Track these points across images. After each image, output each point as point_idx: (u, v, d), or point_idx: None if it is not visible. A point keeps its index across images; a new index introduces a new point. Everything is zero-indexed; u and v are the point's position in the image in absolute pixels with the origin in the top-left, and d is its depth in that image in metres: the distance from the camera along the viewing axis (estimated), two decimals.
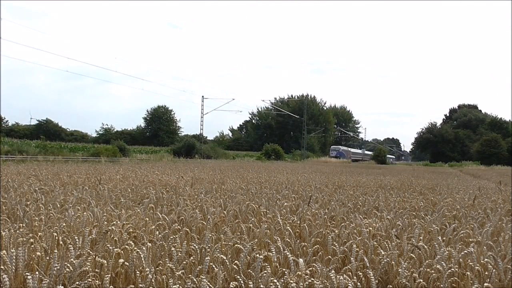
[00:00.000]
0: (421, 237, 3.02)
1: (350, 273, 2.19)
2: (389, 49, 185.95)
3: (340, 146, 77.46)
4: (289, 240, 2.84)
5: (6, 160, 16.91)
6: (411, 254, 2.55)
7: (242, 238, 2.91)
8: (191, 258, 2.35)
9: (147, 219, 3.27)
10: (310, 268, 2.15)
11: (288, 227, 3.09)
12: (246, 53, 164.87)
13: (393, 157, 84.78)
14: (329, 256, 2.55)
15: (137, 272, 2.09)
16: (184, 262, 2.30)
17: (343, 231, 3.15)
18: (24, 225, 3.04)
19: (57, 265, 2.00)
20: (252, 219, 3.57)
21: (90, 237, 2.61)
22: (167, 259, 2.34)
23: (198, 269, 2.15)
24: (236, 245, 2.60)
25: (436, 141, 67.09)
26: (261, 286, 1.96)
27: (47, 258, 2.21)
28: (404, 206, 4.93)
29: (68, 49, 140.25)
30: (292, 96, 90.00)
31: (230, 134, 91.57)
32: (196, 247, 2.47)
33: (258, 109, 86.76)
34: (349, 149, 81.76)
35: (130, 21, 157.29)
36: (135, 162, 20.12)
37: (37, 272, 2.00)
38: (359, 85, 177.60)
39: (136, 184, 6.66)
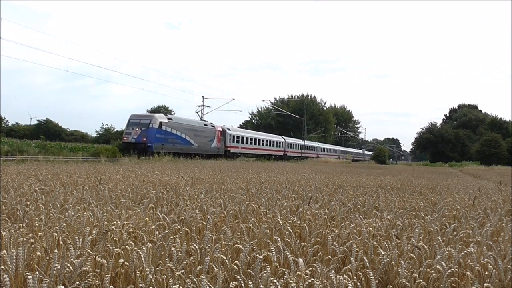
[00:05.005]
0: (421, 237, 3.02)
1: (350, 273, 2.19)
2: (389, 49, 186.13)
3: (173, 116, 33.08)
4: (289, 240, 2.84)
5: (6, 160, 16.90)
6: (411, 254, 2.55)
7: (242, 238, 2.91)
8: (191, 258, 2.35)
9: (147, 219, 3.27)
10: (310, 268, 2.15)
11: (288, 227, 3.09)
12: (246, 53, 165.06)
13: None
14: (329, 256, 2.55)
15: (137, 272, 2.09)
16: (184, 262, 2.30)
17: (343, 231, 3.15)
18: (24, 225, 3.04)
19: (57, 265, 2.00)
20: (252, 219, 3.56)
21: (90, 237, 2.61)
22: (167, 259, 2.34)
23: (198, 269, 2.15)
24: (236, 245, 2.60)
25: (436, 141, 67.10)
26: (261, 286, 1.96)
27: (47, 258, 2.21)
28: (404, 206, 4.93)
29: (68, 49, 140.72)
30: (292, 96, 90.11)
31: None
32: (196, 247, 2.47)
33: (258, 109, 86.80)
34: (231, 131, 39.11)
35: (130, 21, 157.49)
36: (135, 162, 20.10)
37: (37, 272, 2.00)
38: (359, 85, 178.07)
39: (136, 184, 6.66)
